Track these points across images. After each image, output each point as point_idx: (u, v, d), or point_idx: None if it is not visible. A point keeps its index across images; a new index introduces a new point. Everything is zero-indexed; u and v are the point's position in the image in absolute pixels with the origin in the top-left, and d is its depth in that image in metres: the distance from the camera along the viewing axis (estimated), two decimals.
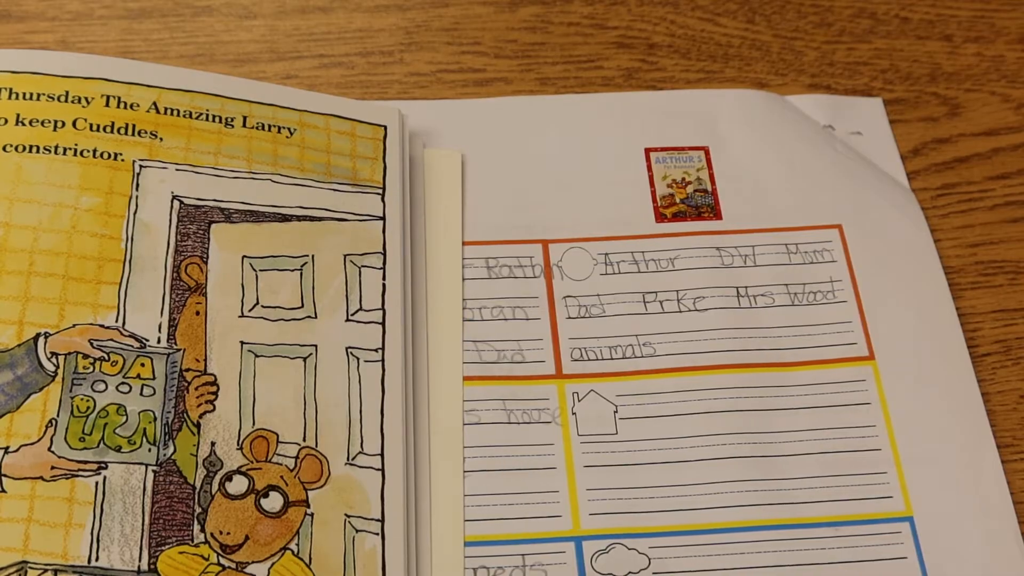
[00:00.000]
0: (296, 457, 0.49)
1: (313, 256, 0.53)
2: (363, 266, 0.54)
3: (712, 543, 0.51)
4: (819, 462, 0.53)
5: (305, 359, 0.51)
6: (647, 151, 0.61)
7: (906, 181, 0.62)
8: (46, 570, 0.45)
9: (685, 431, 0.53)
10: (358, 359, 0.52)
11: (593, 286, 0.57)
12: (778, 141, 0.62)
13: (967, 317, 0.58)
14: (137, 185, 0.53)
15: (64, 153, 0.53)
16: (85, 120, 0.54)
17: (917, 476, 0.53)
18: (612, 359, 0.55)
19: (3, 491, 0.46)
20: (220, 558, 0.47)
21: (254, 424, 0.49)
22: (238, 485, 0.48)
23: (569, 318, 0.56)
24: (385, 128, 0.58)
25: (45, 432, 0.47)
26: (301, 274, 0.53)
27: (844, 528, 0.51)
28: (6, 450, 0.46)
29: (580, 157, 0.61)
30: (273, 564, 0.47)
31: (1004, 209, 0.62)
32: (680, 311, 0.56)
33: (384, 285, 0.54)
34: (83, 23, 0.66)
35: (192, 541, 0.47)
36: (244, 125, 0.56)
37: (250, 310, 0.52)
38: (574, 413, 0.54)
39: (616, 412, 0.54)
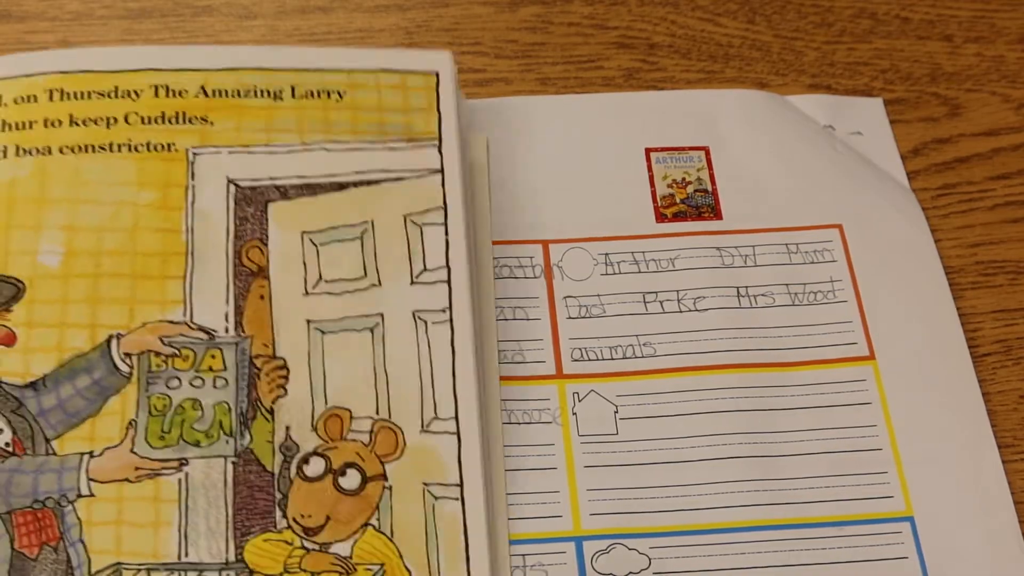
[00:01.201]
0: (371, 431, 0.49)
1: (372, 222, 0.53)
2: (424, 224, 0.53)
3: (713, 543, 0.51)
4: (819, 462, 0.53)
5: (372, 329, 0.51)
6: (647, 151, 0.61)
7: (906, 181, 0.62)
8: (140, 570, 0.45)
9: (685, 431, 0.53)
10: (426, 322, 0.51)
11: (593, 286, 0.57)
12: (778, 141, 0.62)
13: (967, 317, 0.58)
14: (192, 174, 0.53)
15: (119, 150, 0.52)
16: (136, 114, 0.53)
17: (917, 476, 0.53)
18: (612, 359, 0.55)
19: (92, 495, 0.46)
20: (304, 541, 0.47)
21: (327, 403, 0.49)
22: (315, 467, 0.48)
23: (569, 318, 0.56)
24: (437, 75, 0.56)
25: (126, 434, 0.47)
26: (362, 242, 0.52)
27: (844, 528, 0.51)
28: (91, 454, 0.47)
29: (580, 157, 0.61)
30: (356, 541, 0.47)
31: (1004, 209, 0.62)
32: (680, 311, 0.56)
33: (447, 241, 0.52)
34: (83, 23, 0.66)
35: (275, 528, 0.47)
36: (293, 96, 0.55)
37: (314, 287, 0.51)
38: (574, 413, 0.54)
39: (616, 412, 0.54)
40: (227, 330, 0.50)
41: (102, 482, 0.47)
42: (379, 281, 0.52)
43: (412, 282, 0.52)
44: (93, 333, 0.49)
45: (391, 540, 0.47)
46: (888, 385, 0.55)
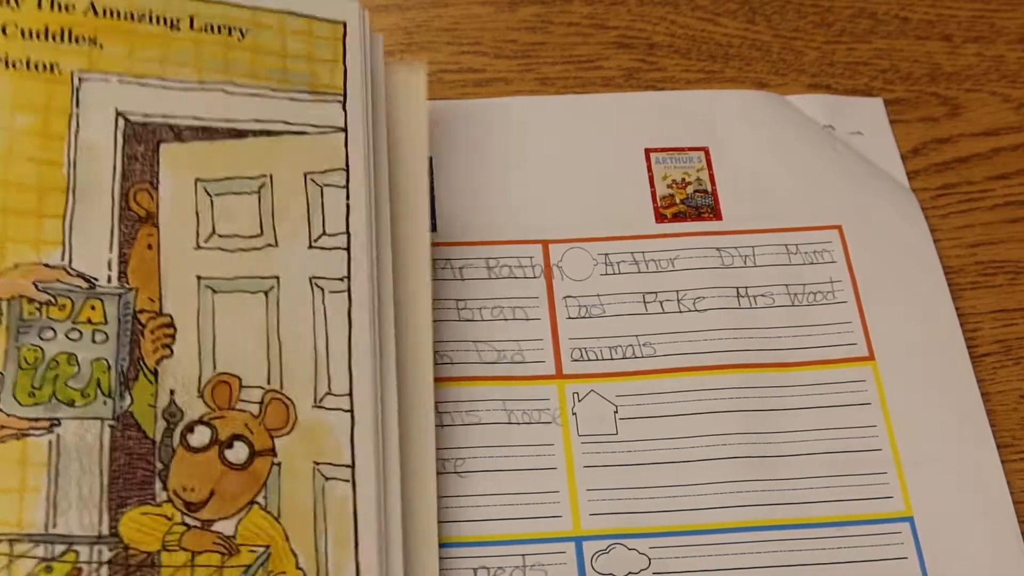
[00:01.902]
0: (261, 402, 0.46)
1: (271, 176, 0.49)
2: (325, 185, 0.50)
3: (712, 543, 0.51)
4: (819, 462, 0.53)
5: (267, 292, 0.48)
6: (647, 151, 0.61)
7: (906, 181, 0.62)
8: (1, 540, 0.42)
9: (685, 431, 0.53)
10: (323, 290, 0.48)
11: (593, 286, 0.57)
12: (779, 141, 0.62)
13: (966, 317, 0.58)
14: (77, 101, 0.48)
15: None
16: (16, 25, 0.48)
17: (917, 476, 0.53)
18: (612, 359, 0.55)
19: None
20: (184, 517, 0.44)
21: (215, 368, 0.46)
22: (200, 436, 0.45)
23: (569, 318, 0.56)
24: (345, 25, 0.52)
25: None
26: (259, 197, 0.49)
27: (844, 528, 0.51)
28: None
29: (580, 157, 0.61)
30: (241, 520, 0.45)
31: (1004, 209, 0.62)
32: (680, 311, 0.56)
33: (348, 206, 0.50)
34: None
35: (155, 500, 0.44)
36: (192, 27, 0.50)
37: (206, 240, 0.48)
38: (574, 413, 0.54)
39: (616, 412, 0.54)
40: (109, 279, 0.46)
41: None
42: (276, 241, 0.49)
43: (310, 246, 0.49)
44: None
45: (278, 521, 0.45)
46: (888, 385, 0.55)
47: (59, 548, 0.44)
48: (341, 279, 0.49)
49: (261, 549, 0.45)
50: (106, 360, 0.45)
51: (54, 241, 0.46)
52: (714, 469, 0.52)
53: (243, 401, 0.47)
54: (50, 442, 0.44)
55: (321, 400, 0.48)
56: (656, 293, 0.57)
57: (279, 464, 0.47)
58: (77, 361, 0.45)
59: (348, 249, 0.50)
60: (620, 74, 0.66)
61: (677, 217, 0.59)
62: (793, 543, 0.51)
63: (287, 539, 0.46)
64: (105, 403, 0.45)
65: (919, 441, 0.54)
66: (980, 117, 0.65)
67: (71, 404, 0.45)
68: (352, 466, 0.47)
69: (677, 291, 0.57)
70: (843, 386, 0.55)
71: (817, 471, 0.53)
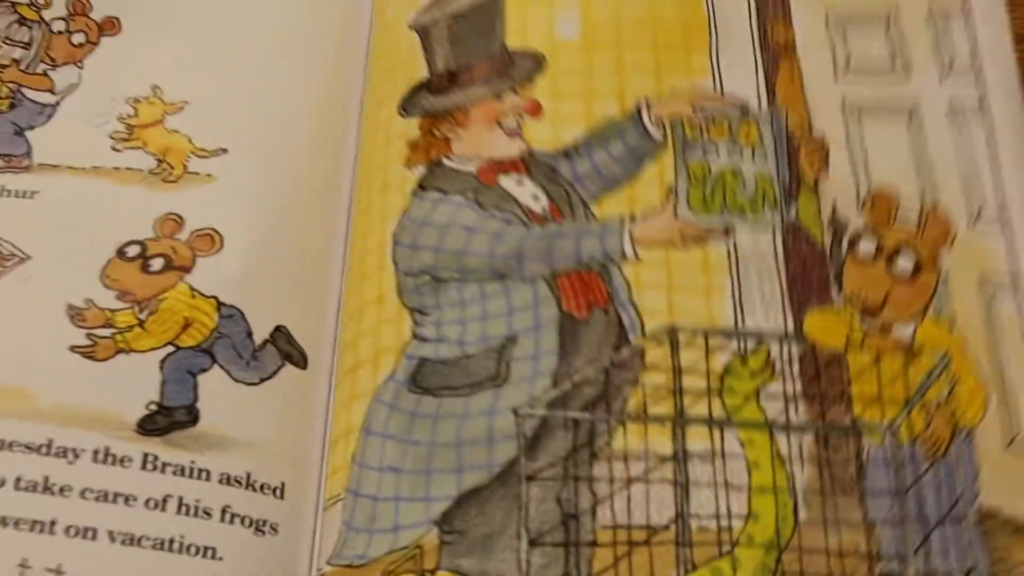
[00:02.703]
0: (919, 216, 0.47)
1: (896, 9, 0.52)
2: (948, 21, 0.52)
3: None
4: None
5: (909, 116, 0.50)
6: None
7: None
8: (696, 333, 0.45)
9: None
10: (963, 115, 0.50)
11: None
12: None
13: None
14: None
15: None
16: None
17: None
18: None
19: (637, 259, 0.46)
20: (863, 320, 0.45)
21: (870, 184, 0.48)
22: (867, 246, 0.46)
23: None
24: None
25: (667, 199, 0.47)
26: (887, 30, 0.51)
27: None
28: (632, 218, 0.46)
29: None
30: (917, 326, 0.45)
31: None
32: None
33: (975, 39, 0.51)
34: None
35: (832, 303, 0.46)
36: None
37: (843, 69, 0.50)
38: None
39: None
40: (759, 106, 0.49)
41: (646, 246, 0.46)
42: (908, 70, 0.51)
43: (942, 77, 0.51)
44: (621, 100, 0.49)
45: (952, 330, 0.45)
46: None
47: (751, 342, 0.45)
48: (977, 107, 0.50)
49: (941, 353, 0.45)
50: (768, 175, 0.47)
51: (703, 70, 0.50)
52: None
53: (901, 217, 0.47)
54: (728, 249, 0.46)
55: (976, 218, 0.48)
56: None
57: (946, 276, 0.47)
58: (742, 175, 0.47)
59: (981, 79, 0.51)
60: None
61: None
62: None
63: (963, 348, 0.46)
64: (774, 213, 0.47)
65: None
66: None
67: (742, 213, 0.46)
68: (1014, 282, 0.47)
69: None
70: None
71: None
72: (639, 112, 0.48)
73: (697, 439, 0.43)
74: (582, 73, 0.50)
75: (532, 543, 0.42)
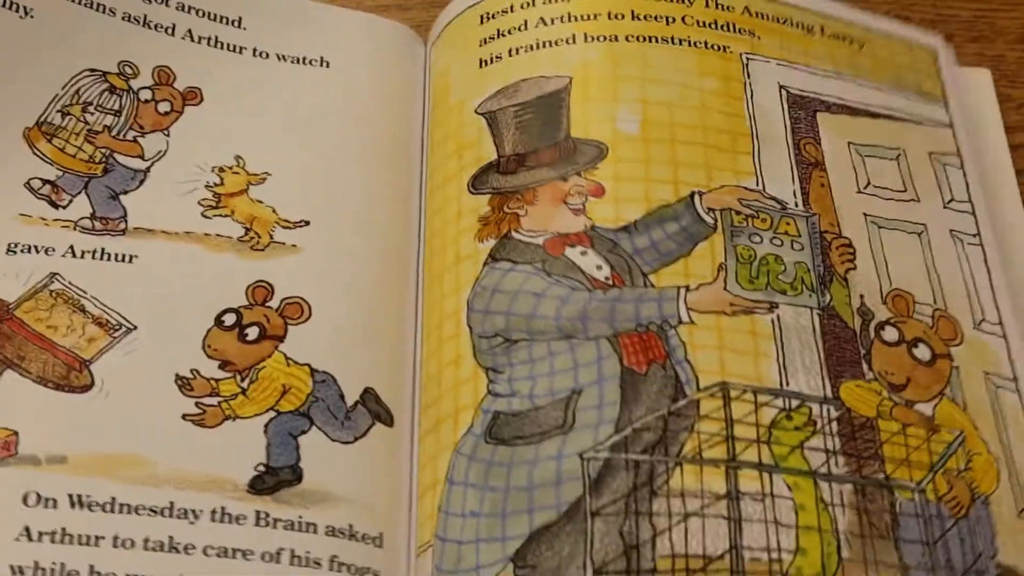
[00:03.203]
0: (932, 317, 0.53)
1: (904, 150, 0.59)
2: (945, 164, 0.59)
3: None
4: None
5: (919, 235, 0.56)
6: None
7: None
8: (745, 390, 0.49)
9: None
10: (961, 241, 0.57)
11: None
12: None
13: None
14: (747, 74, 0.59)
15: (679, 43, 0.59)
16: (692, 17, 0.60)
17: None
18: None
19: (692, 322, 0.50)
20: (891, 394, 0.51)
21: (890, 284, 0.54)
22: (891, 334, 0.52)
23: None
24: (937, 52, 0.63)
25: (718, 274, 0.52)
26: (898, 163, 0.58)
27: None
28: (687, 288, 0.51)
29: None
30: (936, 406, 0.51)
31: None
32: None
33: (967, 183, 0.59)
34: None
35: (864, 377, 0.51)
36: (822, 33, 0.62)
37: (864, 188, 0.57)
38: None
39: None
40: (796, 205, 0.55)
41: (700, 312, 0.51)
42: (917, 197, 0.58)
43: (944, 206, 0.58)
44: (676, 188, 0.54)
45: (965, 411, 0.51)
46: None
47: (794, 402, 0.50)
48: (973, 235, 0.58)
49: (957, 432, 0.51)
50: (805, 263, 0.53)
51: (748, 172, 0.56)
52: None
53: (917, 314, 0.54)
54: (772, 321, 0.52)
55: (979, 324, 0.55)
56: None
57: (957, 368, 0.53)
58: (783, 262, 0.53)
59: (973, 214, 0.58)
60: None
61: None
62: None
63: (976, 428, 0.51)
64: (810, 296, 0.52)
65: None
66: None
67: (784, 293, 0.52)
68: (1015, 380, 0.53)
69: None
70: None
71: None
72: (693, 199, 0.54)
73: (748, 480, 0.47)
74: (641, 162, 0.55)
75: (597, 572, 0.45)
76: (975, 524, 0.48)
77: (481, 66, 0.59)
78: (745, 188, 0.55)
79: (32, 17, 0.57)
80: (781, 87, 0.59)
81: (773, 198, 0.55)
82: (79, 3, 0.59)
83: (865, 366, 0.51)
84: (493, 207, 0.54)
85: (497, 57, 0.59)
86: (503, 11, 0.61)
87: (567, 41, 0.59)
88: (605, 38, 0.59)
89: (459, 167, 0.56)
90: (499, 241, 0.53)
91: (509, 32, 0.60)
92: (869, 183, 0.58)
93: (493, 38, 0.60)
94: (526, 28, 0.60)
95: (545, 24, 0.60)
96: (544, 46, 0.59)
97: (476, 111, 0.57)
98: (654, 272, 0.52)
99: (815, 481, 0.47)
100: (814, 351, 0.51)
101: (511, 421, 0.49)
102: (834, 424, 0.49)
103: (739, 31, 0.60)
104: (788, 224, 0.54)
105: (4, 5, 0.57)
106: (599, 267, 0.52)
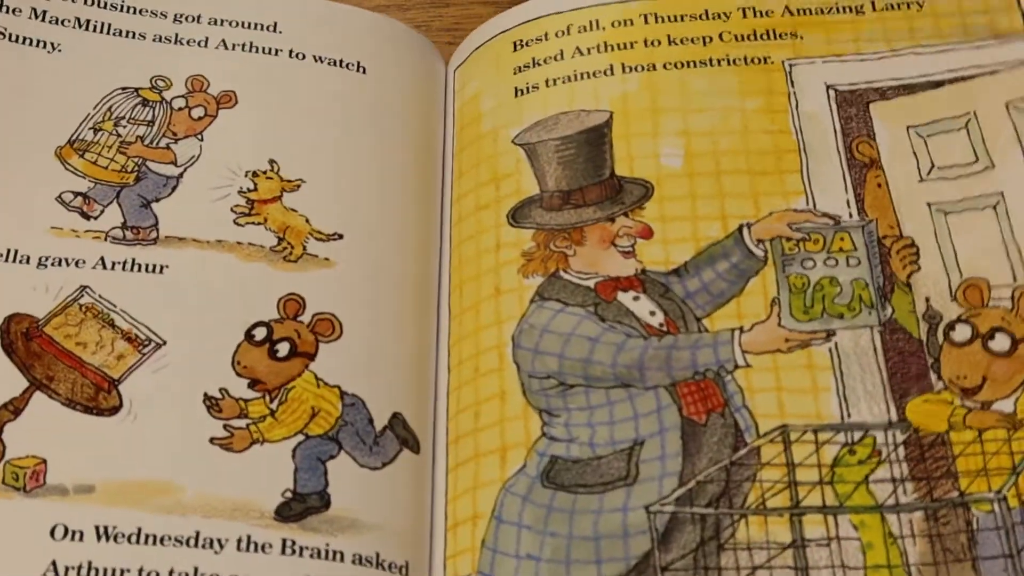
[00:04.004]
0: (1012, 298, 0.51)
1: (974, 112, 0.56)
2: None
3: None
4: None
5: (995, 207, 0.54)
6: None
7: None
8: (806, 431, 0.49)
9: None
10: None
11: None
12: None
13: None
14: (791, 82, 0.58)
15: (718, 64, 0.59)
16: (729, 32, 0.59)
17: None
18: None
19: (748, 365, 0.51)
20: (964, 401, 0.49)
21: (961, 275, 0.52)
22: (962, 333, 0.50)
23: None
24: None
25: (771, 310, 0.52)
26: (968, 131, 0.56)
27: None
28: (741, 329, 0.52)
29: None
30: (1018, 398, 0.49)
31: None
32: None
33: None
34: None
35: (932, 389, 0.50)
36: (874, 8, 0.59)
37: (928, 174, 0.55)
38: None
39: None
40: (850, 215, 0.54)
41: (755, 353, 0.51)
42: (992, 163, 0.55)
43: None
44: (724, 223, 0.54)
45: None
46: None
47: (857, 434, 0.49)
48: None
49: None
50: (863, 279, 0.52)
51: (797, 191, 0.55)
52: None
53: (994, 300, 0.52)
54: (830, 350, 0.51)
55: None
56: None
57: None
58: (839, 283, 0.52)
59: None
60: None
61: None
62: None
63: None
64: (870, 313, 0.52)
65: None
66: None
67: (841, 317, 0.52)
68: None
69: None
70: None
71: None
72: (741, 233, 0.54)
73: (813, 526, 0.48)
74: (687, 198, 0.55)
75: None
76: None
77: (517, 95, 0.60)
78: (794, 211, 0.54)
79: (60, 51, 0.59)
80: (828, 87, 0.58)
81: (825, 214, 0.54)
82: (106, 32, 0.60)
83: (934, 376, 0.50)
84: (538, 243, 0.55)
85: (534, 87, 0.59)
86: (537, 39, 0.61)
87: (605, 73, 0.59)
88: (643, 68, 0.59)
89: (496, 196, 0.57)
90: (547, 280, 0.54)
91: (545, 61, 0.60)
92: (933, 166, 0.55)
93: (528, 66, 0.60)
94: (562, 58, 0.60)
95: (581, 54, 0.59)
96: (582, 77, 0.59)
97: (514, 141, 0.58)
98: (707, 316, 0.53)
99: (882, 516, 0.47)
100: (876, 374, 0.50)
101: (571, 467, 0.50)
102: (900, 449, 0.49)
103: (780, 36, 0.59)
104: (842, 239, 0.53)
105: (31, 43, 0.59)
106: (652, 313, 0.53)
